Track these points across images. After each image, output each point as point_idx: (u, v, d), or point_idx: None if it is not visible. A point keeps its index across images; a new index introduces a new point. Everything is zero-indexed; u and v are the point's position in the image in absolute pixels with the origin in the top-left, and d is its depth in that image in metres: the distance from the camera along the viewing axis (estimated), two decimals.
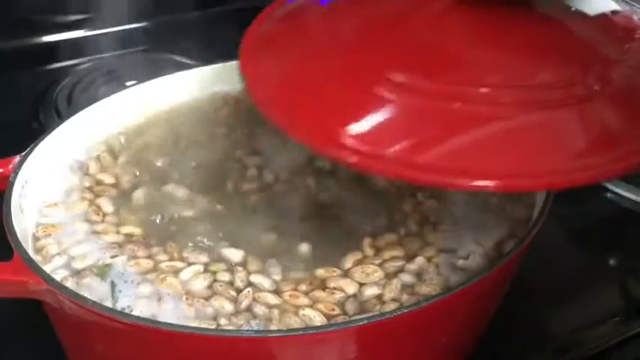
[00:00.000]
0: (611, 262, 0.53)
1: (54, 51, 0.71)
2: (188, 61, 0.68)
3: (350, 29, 0.39)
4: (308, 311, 0.35)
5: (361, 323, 0.32)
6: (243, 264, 0.38)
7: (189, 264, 0.38)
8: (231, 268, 0.38)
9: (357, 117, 0.35)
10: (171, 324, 0.32)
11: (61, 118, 0.60)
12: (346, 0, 0.42)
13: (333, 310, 0.35)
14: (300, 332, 0.32)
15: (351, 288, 0.37)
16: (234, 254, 0.39)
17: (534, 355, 0.45)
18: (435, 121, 0.34)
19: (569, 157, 0.34)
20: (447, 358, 0.39)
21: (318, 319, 0.35)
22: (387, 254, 0.38)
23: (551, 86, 0.35)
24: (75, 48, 0.70)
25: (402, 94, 0.34)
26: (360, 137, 0.34)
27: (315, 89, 0.37)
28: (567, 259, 0.52)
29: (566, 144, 0.34)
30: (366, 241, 0.39)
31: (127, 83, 0.60)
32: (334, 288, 0.37)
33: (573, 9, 0.40)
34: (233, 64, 0.52)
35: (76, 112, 0.47)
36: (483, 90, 0.34)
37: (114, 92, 0.49)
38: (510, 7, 0.39)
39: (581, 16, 0.40)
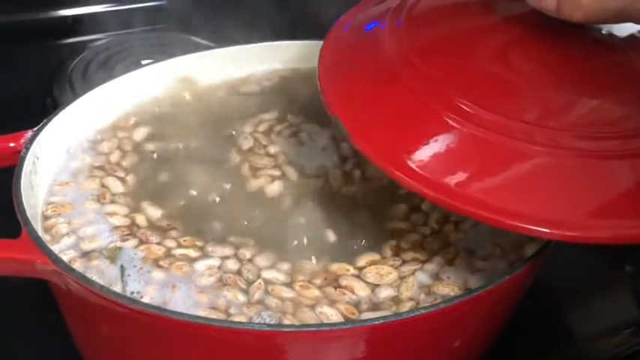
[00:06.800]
0: (627, 269, 0.52)
1: (71, 25, 0.70)
2: (205, 42, 0.67)
3: (424, 48, 0.39)
4: (326, 309, 0.34)
5: (376, 323, 0.31)
6: (257, 254, 0.37)
7: (206, 256, 0.37)
8: (243, 260, 0.37)
9: (422, 141, 0.35)
10: (180, 313, 0.31)
11: (75, 93, 0.59)
12: (419, 18, 0.41)
13: (354, 314, 0.34)
14: (314, 329, 0.31)
15: (362, 291, 0.36)
16: (250, 247, 0.38)
17: None
18: (495, 157, 0.34)
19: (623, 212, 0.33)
20: None
21: (334, 318, 0.34)
22: (409, 255, 0.38)
23: (613, 135, 0.34)
24: (92, 24, 0.69)
25: (467, 123, 0.35)
26: (421, 161, 0.34)
27: (388, 105, 0.37)
28: (582, 265, 0.51)
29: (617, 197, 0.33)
30: (388, 243, 0.38)
31: (143, 62, 0.59)
32: (345, 287, 0.36)
33: None
34: (249, 47, 0.52)
35: (91, 88, 0.46)
36: (545, 131, 0.34)
37: (129, 70, 0.49)
38: (583, 41, 0.38)
39: None
